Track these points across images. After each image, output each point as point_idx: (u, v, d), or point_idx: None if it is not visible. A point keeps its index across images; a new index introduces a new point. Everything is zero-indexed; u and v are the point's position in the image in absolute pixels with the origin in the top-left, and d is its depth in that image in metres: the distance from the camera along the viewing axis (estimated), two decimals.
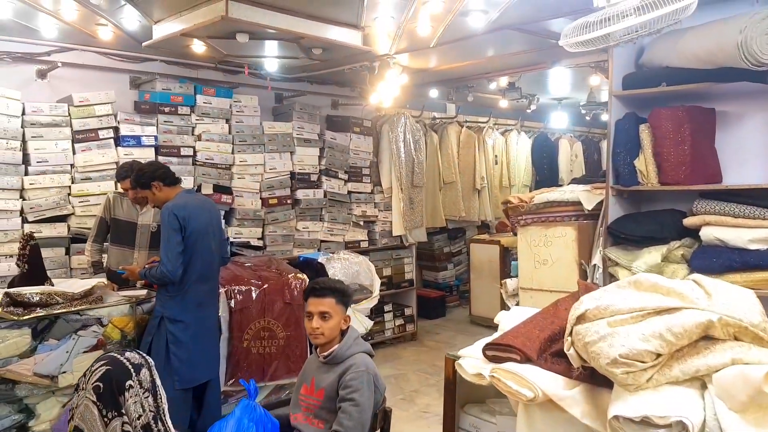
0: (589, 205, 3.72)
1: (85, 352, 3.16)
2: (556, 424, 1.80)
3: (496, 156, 7.60)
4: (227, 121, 4.94)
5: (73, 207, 4.11)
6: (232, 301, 3.80)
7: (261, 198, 5.11)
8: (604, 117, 5.94)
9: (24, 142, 3.96)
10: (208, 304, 3.42)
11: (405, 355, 5.72)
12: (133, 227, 3.83)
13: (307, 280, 4.15)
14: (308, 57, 4.15)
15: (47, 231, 3.97)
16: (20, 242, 3.20)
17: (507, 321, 2.25)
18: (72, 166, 4.13)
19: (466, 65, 5.08)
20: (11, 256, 3.89)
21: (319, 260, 4.53)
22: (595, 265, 3.49)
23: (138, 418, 1.48)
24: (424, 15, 3.43)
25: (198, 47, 3.90)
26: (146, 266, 3.29)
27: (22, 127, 3.94)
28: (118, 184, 3.92)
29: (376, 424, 2.40)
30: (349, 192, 5.79)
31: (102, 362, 1.53)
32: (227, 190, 4.85)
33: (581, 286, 2.21)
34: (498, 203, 7.41)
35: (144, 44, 3.75)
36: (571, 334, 1.69)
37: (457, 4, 3.18)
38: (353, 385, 2.31)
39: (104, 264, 3.83)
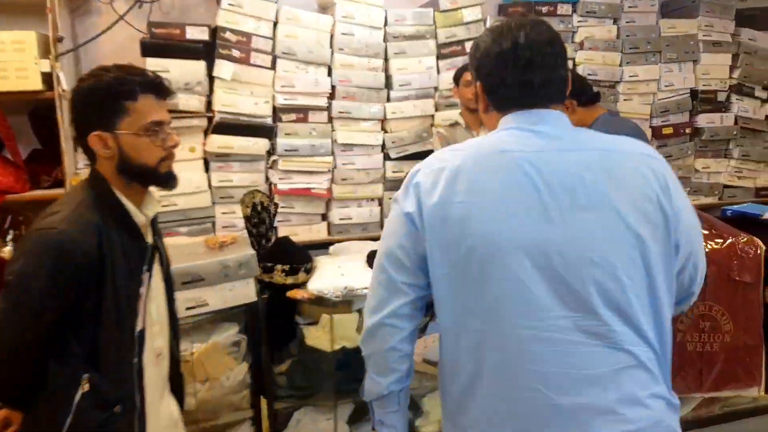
0: None
1: None
2: None
3: None
4: (615, 21, 3.67)
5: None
6: None
7: (651, 127, 3.80)
8: None
9: (386, 60, 3.27)
10: None
11: None
12: None
13: (762, 245, 2.79)
14: None
15: (408, 170, 3.29)
16: None
17: None
18: (435, 89, 3.35)
19: None
20: (373, 199, 3.31)
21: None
22: None
23: None
24: None
25: None
26: None
27: (384, 41, 3.24)
28: None
29: None
30: None
31: None
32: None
33: None
34: None
35: None
36: None
37: None
38: None
39: None
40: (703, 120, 3.91)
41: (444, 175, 1.13)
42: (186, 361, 2.00)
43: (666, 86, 3.81)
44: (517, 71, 1.16)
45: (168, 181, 1.46)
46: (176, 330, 1.61)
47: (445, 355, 1.21)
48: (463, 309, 1.13)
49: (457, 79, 3.00)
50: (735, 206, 3.40)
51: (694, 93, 3.89)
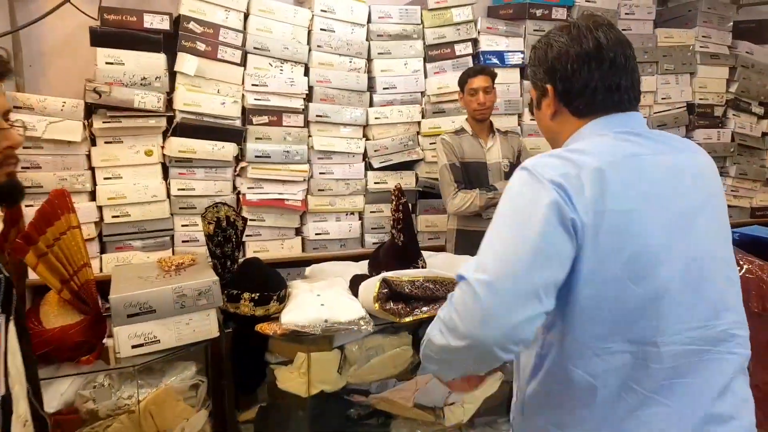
0: None
1: (488, 373, 2.06)
2: None
3: None
4: None
5: (422, 150, 3.06)
6: None
7: None
8: None
9: (369, 60, 2.97)
10: None
11: None
12: (483, 168, 2.69)
13: None
14: None
15: (392, 182, 2.98)
16: (392, 199, 2.16)
17: None
18: (422, 94, 3.07)
19: None
20: (353, 213, 3.00)
21: None
22: None
23: None
24: None
25: None
26: None
27: (367, 39, 2.95)
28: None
29: None
30: (764, 134, 3.94)
31: None
32: None
33: None
34: None
35: None
36: None
37: None
38: None
39: None
40: (699, 136, 3.72)
41: (586, 180, 0.98)
42: (131, 411, 1.65)
43: (663, 99, 3.62)
44: (604, 73, 1.09)
45: (7, 194, 1.06)
46: (36, 382, 1.21)
47: (569, 379, 1.04)
48: (609, 328, 1.02)
49: (462, 84, 2.71)
50: (741, 228, 3.19)
51: (690, 107, 3.71)
